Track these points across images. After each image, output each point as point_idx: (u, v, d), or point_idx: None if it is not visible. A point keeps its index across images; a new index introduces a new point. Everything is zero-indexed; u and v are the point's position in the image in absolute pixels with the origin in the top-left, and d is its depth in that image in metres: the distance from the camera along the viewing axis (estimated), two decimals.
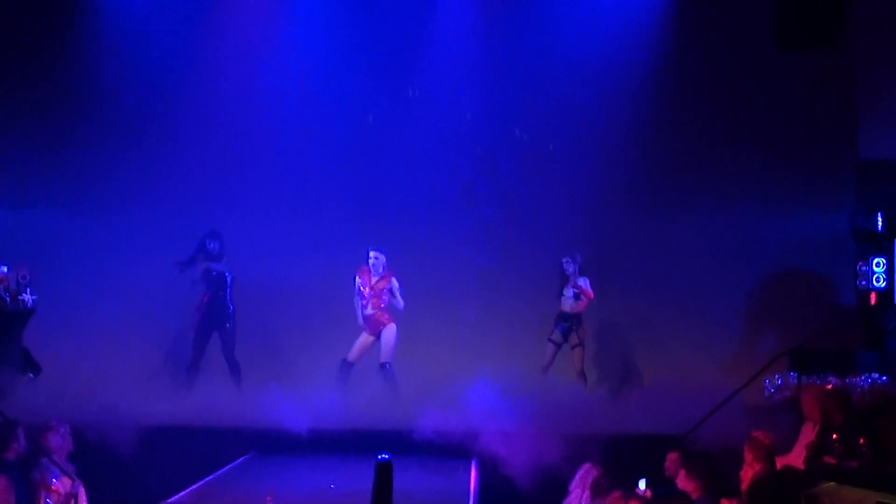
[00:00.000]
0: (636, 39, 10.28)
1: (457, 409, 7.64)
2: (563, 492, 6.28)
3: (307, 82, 10.45)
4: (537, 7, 10.45)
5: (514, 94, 10.46)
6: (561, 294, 9.37)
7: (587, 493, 6.07)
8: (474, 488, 6.81)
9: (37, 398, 7.75)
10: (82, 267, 10.02)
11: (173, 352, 9.78)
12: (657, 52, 10.23)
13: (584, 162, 10.32)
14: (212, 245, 9.28)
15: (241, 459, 7.57)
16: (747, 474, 6.08)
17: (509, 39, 10.45)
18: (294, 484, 6.89)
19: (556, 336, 9.36)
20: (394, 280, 9.09)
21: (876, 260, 9.18)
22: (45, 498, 6.30)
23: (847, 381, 8.00)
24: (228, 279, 9.28)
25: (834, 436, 6.27)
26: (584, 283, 9.29)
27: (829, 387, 7.35)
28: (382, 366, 8.94)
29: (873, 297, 9.16)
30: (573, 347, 9.31)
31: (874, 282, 9.15)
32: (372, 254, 9.10)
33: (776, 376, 8.23)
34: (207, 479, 6.97)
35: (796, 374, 7.95)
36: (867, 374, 8.16)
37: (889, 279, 9.14)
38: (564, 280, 9.38)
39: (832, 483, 5.73)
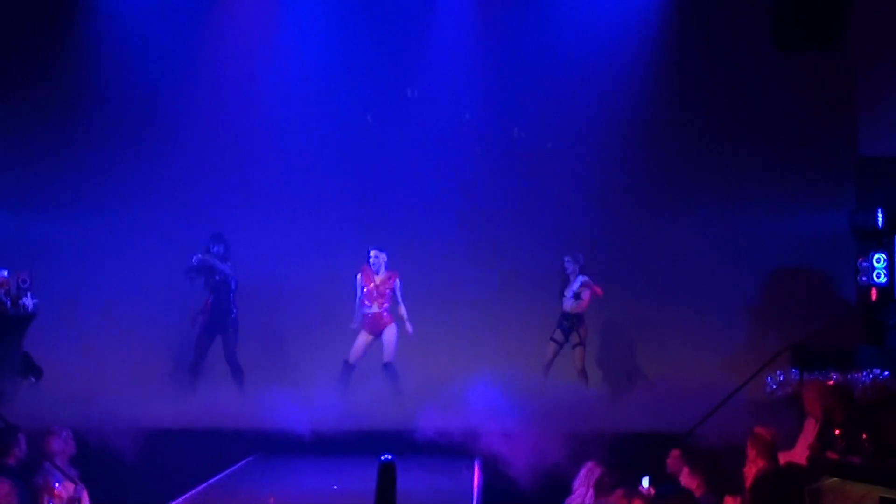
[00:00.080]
0: (636, 39, 10.29)
1: (458, 409, 7.64)
2: (566, 491, 6.28)
3: (307, 83, 10.45)
4: (536, 7, 10.46)
5: (513, 94, 10.47)
6: (562, 294, 9.37)
7: (591, 491, 6.08)
8: (478, 488, 6.81)
9: (38, 402, 7.74)
10: (83, 270, 10.02)
11: (175, 355, 9.76)
12: (657, 51, 10.23)
13: (585, 161, 10.32)
14: (216, 248, 9.28)
15: (243, 462, 7.56)
16: (750, 471, 6.08)
17: (508, 39, 10.46)
18: (297, 485, 6.89)
19: (558, 335, 9.37)
20: (397, 281, 9.12)
21: (876, 256, 9.19)
22: (49, 502, 6.30)
23: (848, 376, 8.01)
24: (232, 284, 9.27)
25: (836, 431, 6.27)
26: (588, 281, 9.28)
27: (831, 383, 7.35)
28: (387, 365, 8.96)
29: (874, 293, 9.18)
30: (574, 347, 9.31)
31: (874, 278, 9.17)
32: (372, 253, 9.12)
33: (778, 373, 8.23)
34: (210, 481, 6.96)
35: (798, 371, 7.95)
36: (868, 370, 8.17)
37: (889, 275, 9.15)
38: (565, 279, 9.38)
39: (835, 479, 5.75)
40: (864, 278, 9.28)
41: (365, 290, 9.11)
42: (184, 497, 6.50)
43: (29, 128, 10.22)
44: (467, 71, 10.45)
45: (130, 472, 7.32)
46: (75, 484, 6.47)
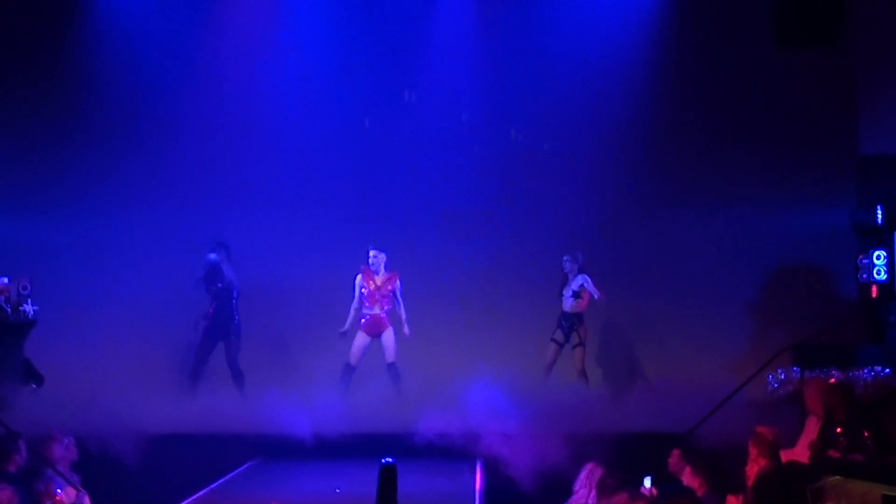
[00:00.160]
0: (635, 38, 10.29)
1: (458, 411, 7.64)
2: (567, 492, 6.27)
3: (306, 83, 10.45)
4: (535, 7, 10.46)
5: (512, 94, 10.46)
6: (561, 294, 9.36)
7: (593, 492, 6.06)
8: (480, 489, 6.80)
9: (40, 409, 7.74)
10: (83, 276, 10.02)
11: (176, 359, 9.77)
12: (656, 50, 10.23)
13: (584, 161, 10.32)
14: (217, 255, 9.27)
15: (245, 466, 7.56)
16: (752, 470, 6.07)
17: (507, 40, 10.46)
18: (299, 489, 6.89)
19: (559, 335, 9.36)
20: (398, 281, 9.14)
21: (876, 253, 9.19)
22: None
23: (849, 374, 8.00)
24: (234, 291, 9.27)
25: (838, 429, 6.26)
26: (587, 282, 9.28)
27: (832, 381, 7.34)
28: (391, 366, 9.01)
29: (874, 290, 9.17)
30: (574, 347, 9.31)
31: (875, 275, 9.16)
32: (371, 252, 9.13)
33: (779, 371, 8.22)
34: (212, 486, 6.96)
35: (799, 369, 7.95)
36: (870, 367, 8.16)
37: (890, 272, 9.14)
38: (564, 278, 9.38)
39: (837, 477, 5.74)
40: (864, 276, 9.27)
41: (366, 291, 9.11)
42: (185, 502, 6.49)
43: (28, 132, 10.23)
44: (466, 72, 10.45)
45: (132, 477, 7.32)
46: (77, 490, 6.47)
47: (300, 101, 10.41)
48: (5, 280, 8.77)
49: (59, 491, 6.41)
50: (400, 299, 9.16)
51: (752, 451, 6.12)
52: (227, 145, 10.41)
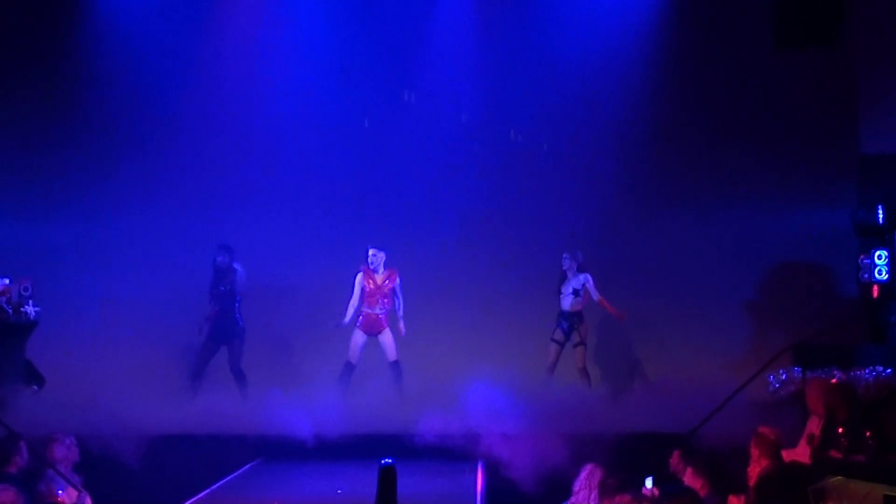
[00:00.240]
0: (636, 38, 10.29)
1: (459, 411, 7.64)
2: (568, 492, 6.26)
3: (306, 84, 10.47)
4: (535, 6, 10.45)
5: (511, 94, 10.47)
6: (559, 292, 9.35)
7: (594, 493, 6.05)
8: (481, 490, 6.80)
9: (41, 410, 7.74)
10: (84, 277, 10.03)
11: (177, 360, 9.76)
12: (657, 50, 10.23)
13: (584, 161, 10.33)
14: (221, 258, 9.29)
15: (246, 466, 7.56)
16: (754, 470, 6.07)
17: (506, 40, 10.46)
18: (300, 490, 6.89)
19: (559, 335, 9.35)
20: (397, 279, 9.18)
21: (878, 252, 9.18)
22: None
23: (851, 374, 7.99)
24: (238, 294, 9.27)
25: (839, 430, 6.26)
26: (588, 281, 9.27)
27: (834, 381, 7.33)
28: (395, 364, 9.07)
29: (875, 290, 9.16)
30: (575, 346, 9.30)
31: (876, 274, 9.15)
32: (371, 251, 9.16)
33: (780, 371, 8.22)
34: (214, 486, 6.96)
35: (800, 369, 7.94)
36: (871, 367, 8.15)
37: (891, 271, 9.13)
38: (563, 276, 9.37)
39: (839, 477, 5.73)
40: (865, 275, 9.26)
41: (366, 290, 9.12)
42: (188, 502, 6.49)
43: (29, 132, 10.26)
44: (466, 72, 10.46)
45: (133, 478, 7.33)
46: (79, 491, 6.47)
47: (300, 101, 10.42)
48: (6, 281, 8.77)
49: (60, 492, 6.42)
50: (400, 296, 9.19)
51: (754, 452, 6.11)
52: (227, 146, 10.42)
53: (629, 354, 10.26)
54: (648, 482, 6.07)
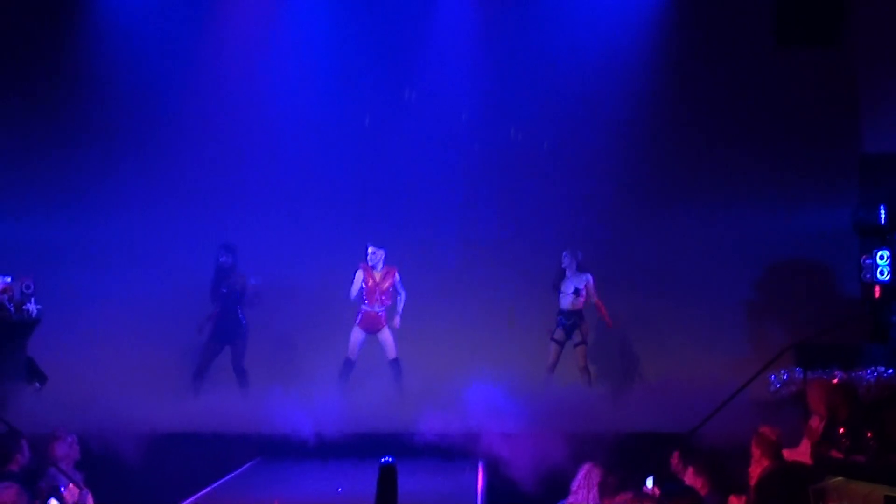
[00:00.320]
0: (636, 37, 10.28)
1: (459, 411, 7.65)
2: (568, 492, 6.25)
3: (306, 83, 10.48)
4: (535, 5, 10.45)
5: (512, 94, 10.47)
6: (559, 290, 9.34)
7: (593, 492, 6.04)
8: (482, 489, 6.80)
9: (43, 408, 7.76)
10: (86, 275, 10.04)
11: (179, 359, 9.77)
12: (658, 49, 10.22)
13: (585, 160, 10.33)
14: (223, 258, 9.29)
15: (247, 465, 7.58)
16: (755, 470, 6.06)
17: (507, 39, 10.47)
18: (301, 488, 6.90)
19: (559, 334, 9.34)
20: (397, 275, 9.22)
21: (880, 253, 9.17)
22: None
23: (852, 374, 7.99)
24: (239, 293, 9.28)
25: (840, 430, 6.25)
26: (589, 282, 9.27)
27: (835, 381, 7.32)
28: (394, 362, 9.12)
29: (877, 290, 9.15)
30: (576, 345, 9.30)
31: (878, 275, 9.15)
32: (370, 249, 9.20)
33: (782, 371, 8.22)
34: (215, 484, 6.97)
35: (802, 369, 7.94)
36: (873, 368, 8.15)
37: (893, 272, 9.13)
38: (562, 274, 9.35)
39: (840, 478, 5.72)
40: (867, 275, 9.26)
41: (366, 287, 9.14)
42: (188, 501, 6.51)
43: (30, 131, 10.27)
44: (466, 71, 10.46)
45: (134, 476, 7.33)
46: (80, 488, 6.47)
47: (300, 100, 10.43)
48: (8, 279, 8.78)
49: (62, 489, 6.42)
50: (402, 291, 9.21)
51: (755, 452, 6.10)
52: (228, 144, 10.43)
53: (630, 354, 10.26)
54: (649, 482, 6.07)
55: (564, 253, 9.33)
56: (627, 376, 9.99)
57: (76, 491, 6.41)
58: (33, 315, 8.80)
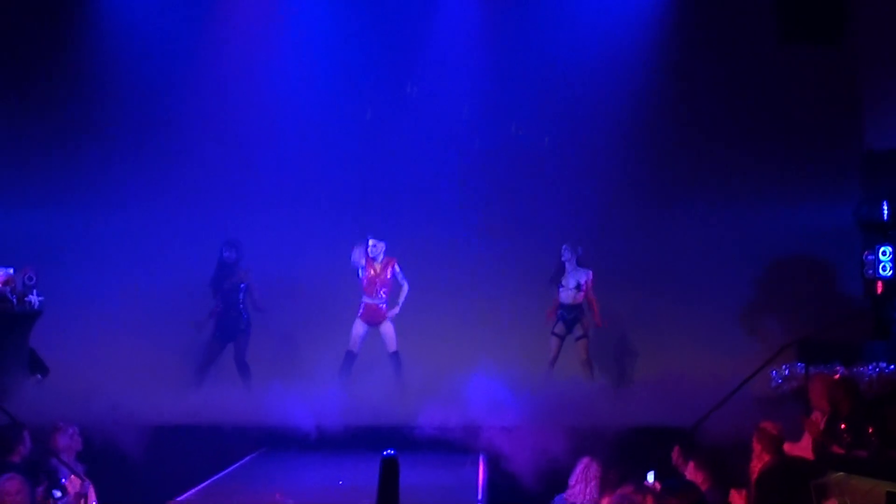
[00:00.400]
0: (639, 34, 10.28)
1: (459, 404, 7.65)
2: (567, 486, 6.25)
3: (308, 79, 10.47)
4: (537, 2, 10.43)
5: (513, 89, 10.46)
6: (559, 284, 9.33)
7: (590, 486, 6.04)
8: (482, 483, 6.81)
9: (45, 399, 7.77)
10: (88, 267, 10.05)
11: (181, 351, 9.78)
12: (660, 46, 10.21)
13: (588, 156, 10.33)
14: (227, 254, 9.30)
15: (249, 457, 7.58)
16: (756, 465, 6.07)
17: (508, 34, 10.46)
18: (302, 480, 6.91)
19: (560, 329, 9.34)
20: (396, 266, 9.23)
21: (882, 249, 9.17)
22: (56, 498, 6.32)
23: (854, 370, 7.99)
24: (242, 288, 9.29)
25: (842, 425, 6.26)
26: (588, 279, 9.26)
27: (837, 376, 7.32)
28: (394, 355, 9.15)
29: (880, 286, 9.15)
30: (577, 339, 9.30)
31: (880, 271, 9.14)
32: (371, 241, 9.21)
33: (783, 367, 8.22)
34: (216, 477, 6.98)
35: (803, 365, 7.94)
36: (874, 364, 8.15)
37: (895, 268, 9.12)
38: (561, 268, 9.34)
39: (841, 473, 5.73)
40: (869, 271, 9.25)
41: (366, 278, 9.16)
42: (189, 493, 6.51)
43: (34, 124, 10.26)
44: (467, 68, 10.46)
45: (136, 468, 7.35)
46: (82, 480, 6.49)
47: (301, 96, 10.43)
48: (10, 271, 8.78)
49: (63, 481, 6.44)
50: (403, 283, 9.24)
51: (756, 447, 6.11)
52: (230, 139, 10.43)
53: (632, 349, 10.27)
54: (650, 476, 6.07)
55: (564, 246, 9.33)
56: (629, 371, 9.99)
57: (78, 482, 6.42)
58: (35, 307, 8.81)
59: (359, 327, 9.25)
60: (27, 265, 8.95)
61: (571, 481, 6.14)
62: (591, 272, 9.31)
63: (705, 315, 9.90)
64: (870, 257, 9.24)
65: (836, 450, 6.18)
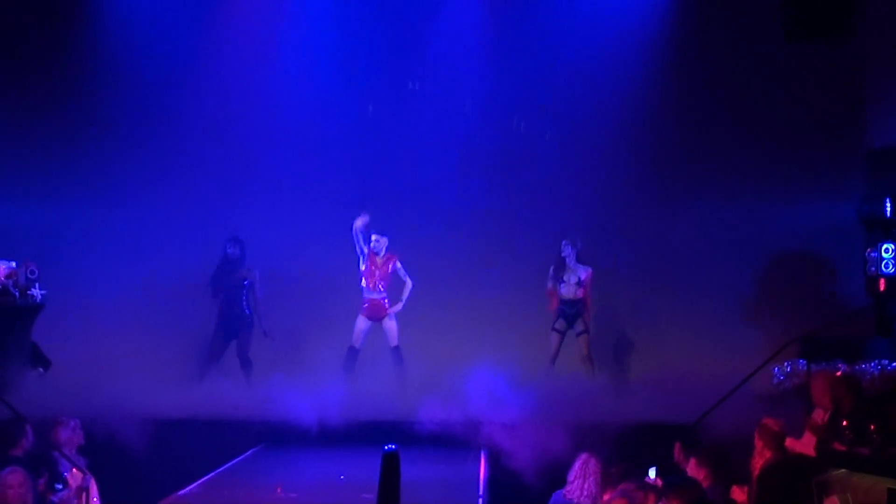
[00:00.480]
0: (644, 31, 10.26)
1: (460, 400, 7.66)
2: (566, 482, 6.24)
3: (310, 74, 10.46)
4: None
5: (516, 85, 10.45)
6: (560, 280, 9.32)
7: (589, 482, 6.03)
8: (484, 478, 6.81)
9: (47, 393, 7.78)
10: (91, 261, 10.05)
11: (183, 345, 9.80)
12: (665, 42, 10.19)
13: (590, 152, 10.31)
14: (231, 250, 9.32)
15: (250, 451, 7.60)
16: (758, 462, 6.07)
17: (511, 30, 10.44)
18: (303, 475, 6.92)
19: (560, 324, 9.33)
20: (398, 263, 9.24)
21: (885, 246, 9.14)
22: (58, 491, 6.33)
23: (856, 367, 7.98)
24: (245, 285, 9.29)
25: (844, 422, 6.25)
26: (587, 277, 9.26)
27: (839, 373, 7.32)
28: (396, 349, 9.20)
29: (882, 284, 9.13)
30: (578, 335, 9.30)
31: (883, 268, 9.12)
32: (374, 237, 9.23)
33: (785, 364, 8.21)
34: (217, 471, 6.99)
35: (805, 362, 7.93)
36: (877, 361, 8.14)
37: None
38: (561, 263, 9.33)
39: (843, 470, 5.73)
40: (872, 269, 9.23)
41: (368, 271, 9.18)
42: (191, 486, 6.53)
43: (35, 121, 10.25)
44: (470, 63, 10.45)
45: (138, 462, 7.36)
46: (83, 473, 6.50)
47: (303, 92, 10.43)
48: (13, 264, 8.79)
49: (65, 474, 6.45)
50: (407, 279, 9.26)
51: (758, 443, 6.11)
52: (233, 133, 10.44)
53: (634, 344, 10.26)
54: (651, 472, 6.07)
55: (564, 241, 9.32)
56: (631, 367, 9.99)
57: (79, 476, 6.44)
58: (37, 300, 8.81)
59: (362, 323, 9.29)
60: (30, 259, 8.96)
61: (570, 477, 6.14)
62: (590, 269, 9.30)
63: (707, 312, 9.89)
64: (872, 254, 9.22)
65: (838, 447, 6.17)
